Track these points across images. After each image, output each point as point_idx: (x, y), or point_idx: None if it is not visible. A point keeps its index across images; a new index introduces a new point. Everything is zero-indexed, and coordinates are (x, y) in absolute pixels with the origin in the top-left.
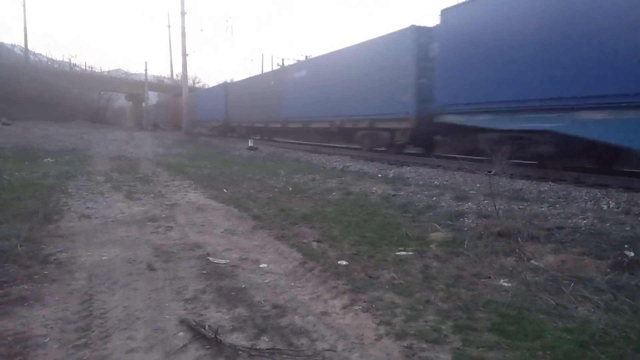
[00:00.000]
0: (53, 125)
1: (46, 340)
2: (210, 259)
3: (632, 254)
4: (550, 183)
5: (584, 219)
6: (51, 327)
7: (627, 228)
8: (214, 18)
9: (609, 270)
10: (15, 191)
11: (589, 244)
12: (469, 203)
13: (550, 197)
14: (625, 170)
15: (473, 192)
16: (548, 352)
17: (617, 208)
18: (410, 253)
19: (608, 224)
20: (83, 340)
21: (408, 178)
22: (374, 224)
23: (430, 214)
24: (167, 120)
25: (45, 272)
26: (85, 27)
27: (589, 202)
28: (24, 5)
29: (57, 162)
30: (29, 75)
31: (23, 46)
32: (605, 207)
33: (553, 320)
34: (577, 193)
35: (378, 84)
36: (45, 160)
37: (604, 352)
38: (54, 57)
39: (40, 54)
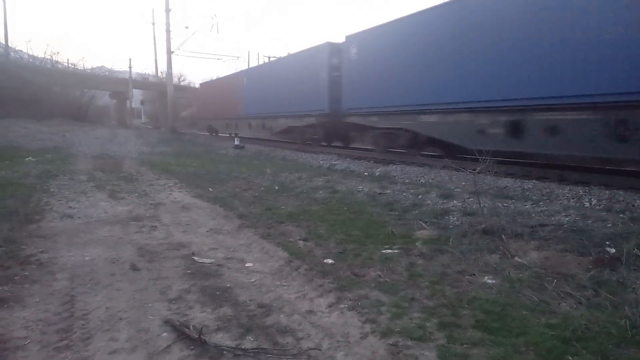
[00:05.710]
0: (34, 123)
1: (26, 343)
2: (195, 258)
3: (613, 250)
4: (534, 181)
5: (566, 216)
6: (32, 329)
7: (609, 225)
8: (201, 16)
9: (590, 266)
10: None
11: (571, 241)
12: (455, 201)
13: (534, 195)
14: (606, 168)
15: (458, 190)
16: (531, 348)
17: (599, 205)
18: (395, 251)
19: (590, 221)
20: (64, 341)
21: (394, 176)
22: (360, 223)
23: (416, 212)
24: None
25: (26, 273)
26: (68, 23)
27: (571, 200)
28: (3, 1)
29: (39, 161)
30: (10, 72)
31: (3, 42)
32: (587, 204)
33: (536, 316)
34: (560, 191)
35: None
36: (26, 159)
37: (586, 347)
38: (35, 54)
39: (22, 51)
